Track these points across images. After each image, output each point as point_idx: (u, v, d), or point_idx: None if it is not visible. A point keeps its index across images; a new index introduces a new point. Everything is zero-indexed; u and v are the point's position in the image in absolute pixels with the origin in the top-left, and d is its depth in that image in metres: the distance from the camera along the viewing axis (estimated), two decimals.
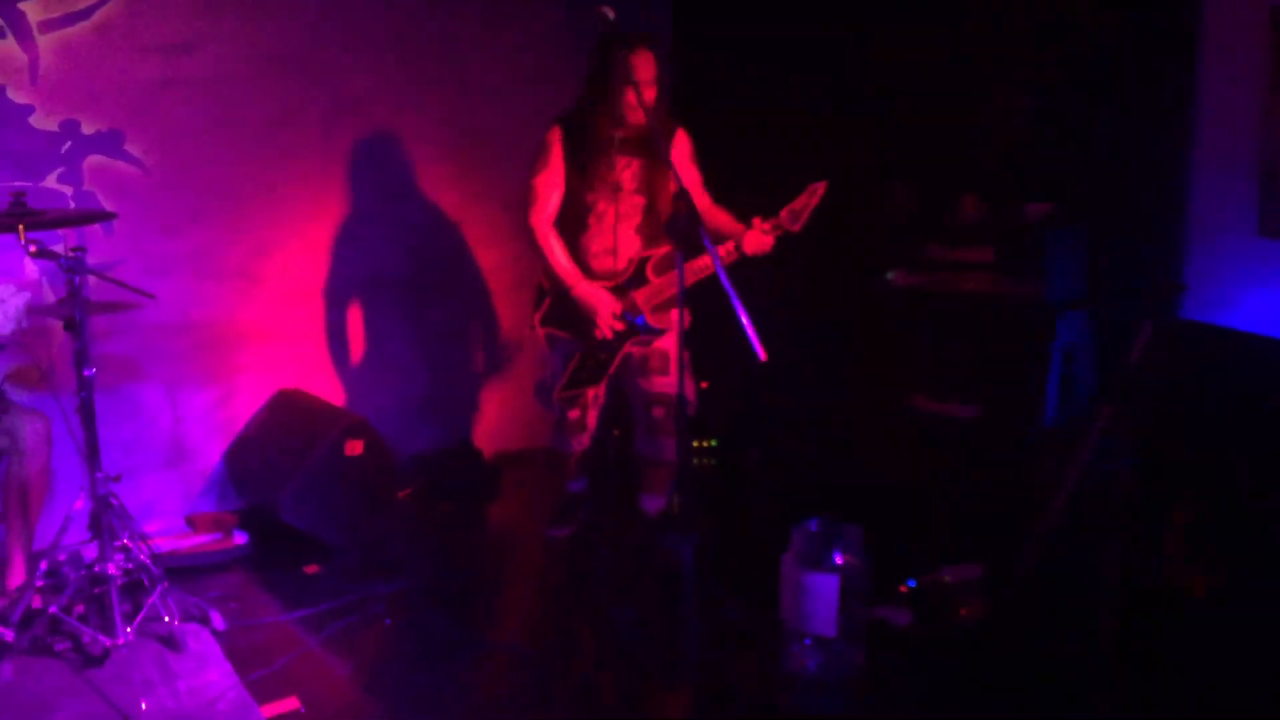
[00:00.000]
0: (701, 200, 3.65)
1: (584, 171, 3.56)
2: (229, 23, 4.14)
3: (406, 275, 4.78)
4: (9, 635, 2.97)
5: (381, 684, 3.12)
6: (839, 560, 2.86)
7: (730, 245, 3.46)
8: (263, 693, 2.96)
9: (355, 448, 4.05)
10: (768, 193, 3.52)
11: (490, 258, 5.02)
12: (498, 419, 5.07)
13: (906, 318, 4.28)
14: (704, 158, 3.72)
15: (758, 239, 3.44)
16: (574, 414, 3.79)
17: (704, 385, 4.79)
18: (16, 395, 3.55)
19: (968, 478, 3.97)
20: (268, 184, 4.36)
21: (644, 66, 3.39)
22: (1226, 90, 3.67)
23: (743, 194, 3.66)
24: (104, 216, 3.24)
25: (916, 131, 4.40)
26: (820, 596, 2.81)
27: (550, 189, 3.59)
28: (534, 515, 4.31)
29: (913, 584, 3.39)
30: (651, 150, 3.53)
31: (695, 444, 4.91)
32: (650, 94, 3.40)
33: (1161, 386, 3.09)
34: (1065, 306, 3.85)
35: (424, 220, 4.81)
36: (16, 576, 3.28)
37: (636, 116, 3.43)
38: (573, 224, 3.62)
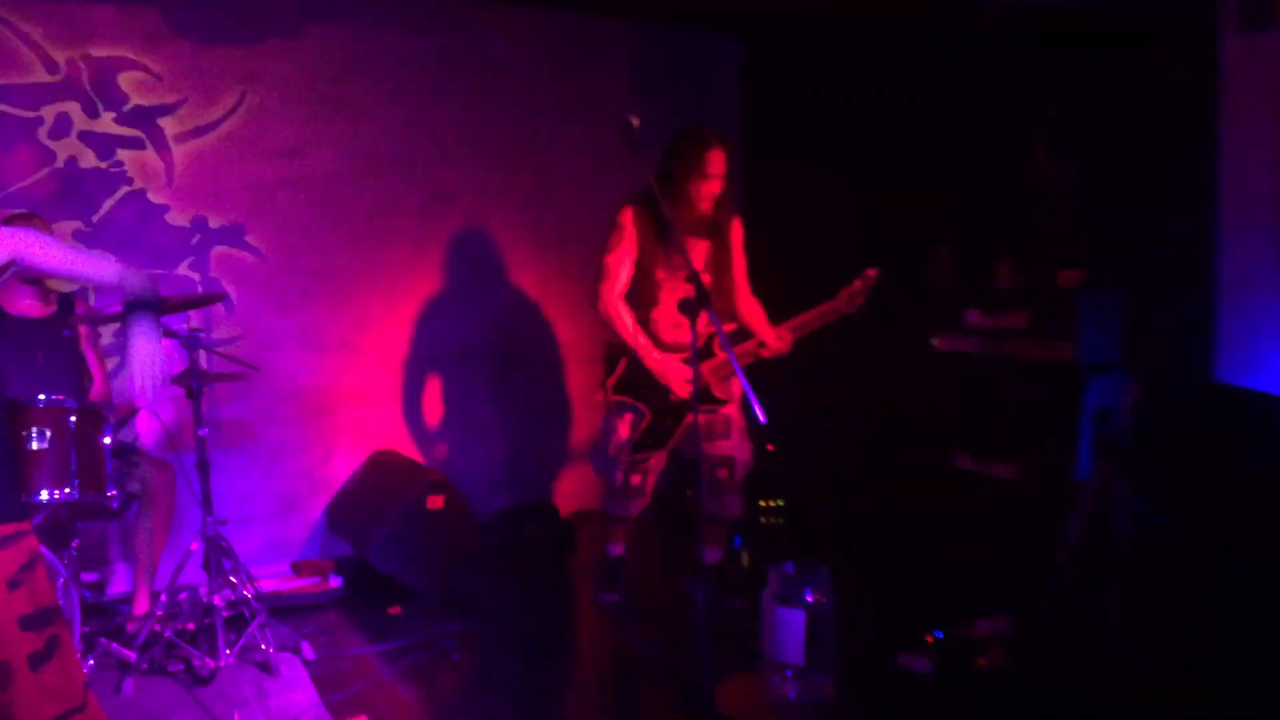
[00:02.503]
0: (743, 288, 4.02)
1: (654, 250, 3.89)
2: (334, 130, 4.75)
3: (491, 346, 5.26)
4: (132, 656, 3.47)
5: (444, 709, 3.51)
6: (809, 598, 3.14)
7: (752, 344, 3.88)
8: (339, 712, 3.36)
9: (436, 502, 4.48)
10: (821, 271, 3.89)
11: (566, 330, 5.46)
12: (573, 480, 5.46)
13: (950, 380, 4.50)
14: (765, 235, 4.07)
15: (777, 343, 3.86)
16: (635, 479, 4.04)
17: (770, 448, 5.11)
18: (149, 449, 4.12)
19: (1007, 532, 4.13)
20: (368, 266, 4.92)
21: (715, 162, 3.78)
22: (1246, 157, 3.82)
23: (796, 272, 4.03)
24: (216, 299, 3.80)
25: (957, 202, 4.65)
26: (791, 629, 3.09)
27: (621, 265, 3.89)
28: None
29: (940, 635, 3.58)
30: (717, 234, 3.91)
31: (761, 503, 5.20)
32: (718, 187, 3.79)
33: (1167, 446, 3.25)
34: (1097, 369, 4.01)
35: (507, 295, 5.30)
36: (140, 606, 3.80)
37: (704, 205, 3.82)
38: (644, 298, 3.93)
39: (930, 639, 3.55)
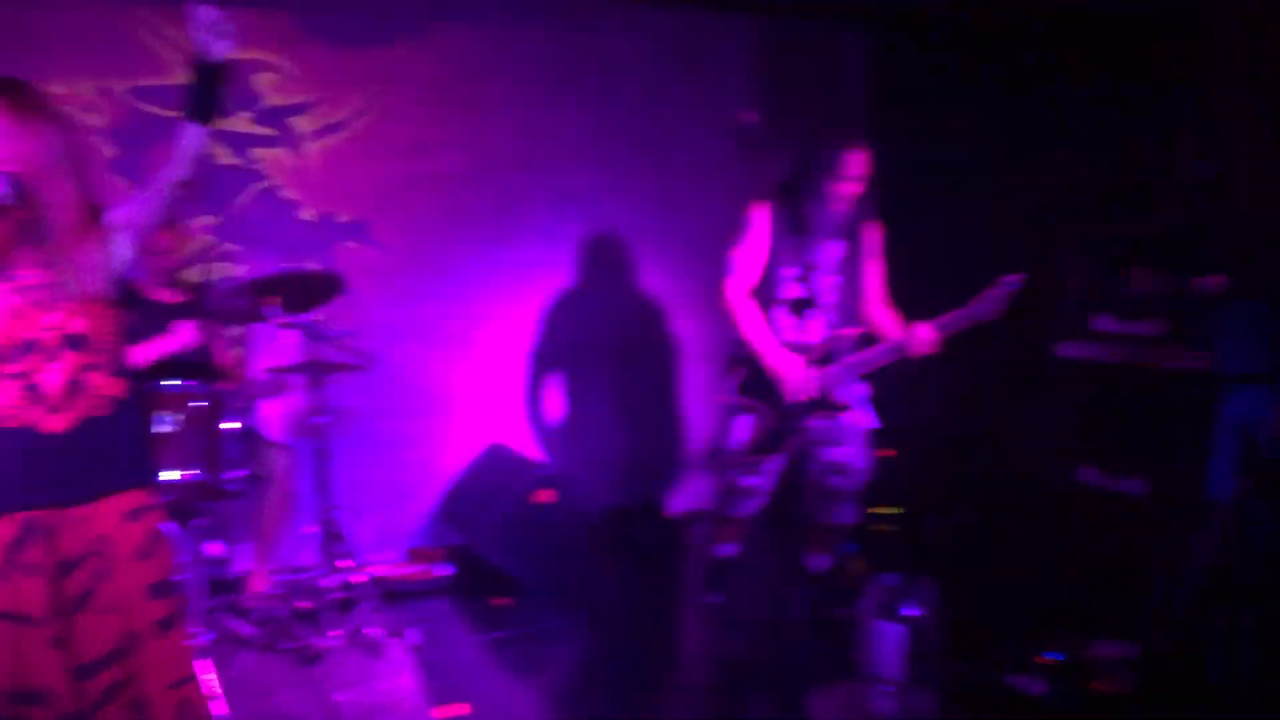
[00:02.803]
0: (876, 294, 3.91)
1: (785, 249, 3.81)
2: (459, 129, 4.86)
3: (610, 344, 5.28)
4: (248, 632, 3.62)
5: (546, 701, 3.56)
6: (910, 611, 3.02)
7: (891, 345, 3.72)
8: (443, 699, 3.42)
9: (546, 497, 4.53)
10: (948, 273, 3.76)
11: (687, 328, 5.43)
12: (686, 480, 5.43)
13: (1076, 389, 4.29)
14: (889, 235, 3.96)
15: (920, 344, 3.68)
16: (751, 481, 3.98)
17: (889, 454, 4.97)
18: (272, 435, 4.29)
19: (1132, 550, 3.92)
20: (489, 264, 5.01)
21: (855, 163, 3.69)
22: None
23: (922, 274, 3.90)
24: (335, 293, 3.93)
25: (1089, 204, 4.44)
26: (890, 642, 2.97)
27: (749, 263, 3.82)
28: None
29: (1055, 656, 3.41)
30: (852, 236, 3.82)
31: (876, 511, 5.06)
32: (856, 188, 3.71)
33: None
34: (1238, 380, 3.76)
35: (628, 293, 5.32)
36: (258, 584, 3.96)
37: (840, 206, 3.73)
38: (769, 298, 3.85)
39: (1045, 660, 3.39)
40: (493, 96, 4.93)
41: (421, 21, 4.76)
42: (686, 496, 5.41)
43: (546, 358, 5.18)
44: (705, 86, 5.35)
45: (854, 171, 3.68)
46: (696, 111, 5.34)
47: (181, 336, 3.68)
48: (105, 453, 2.19)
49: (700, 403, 5.43)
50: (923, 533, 4.95)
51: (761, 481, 4.00)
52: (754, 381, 3.87)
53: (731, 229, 3.90)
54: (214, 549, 4.00)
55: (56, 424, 2.12)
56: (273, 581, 3.83)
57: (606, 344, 5.28)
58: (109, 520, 2.16)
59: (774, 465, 3.99)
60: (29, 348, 2.12)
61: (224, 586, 4.10)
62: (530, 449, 5.11)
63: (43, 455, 2.11)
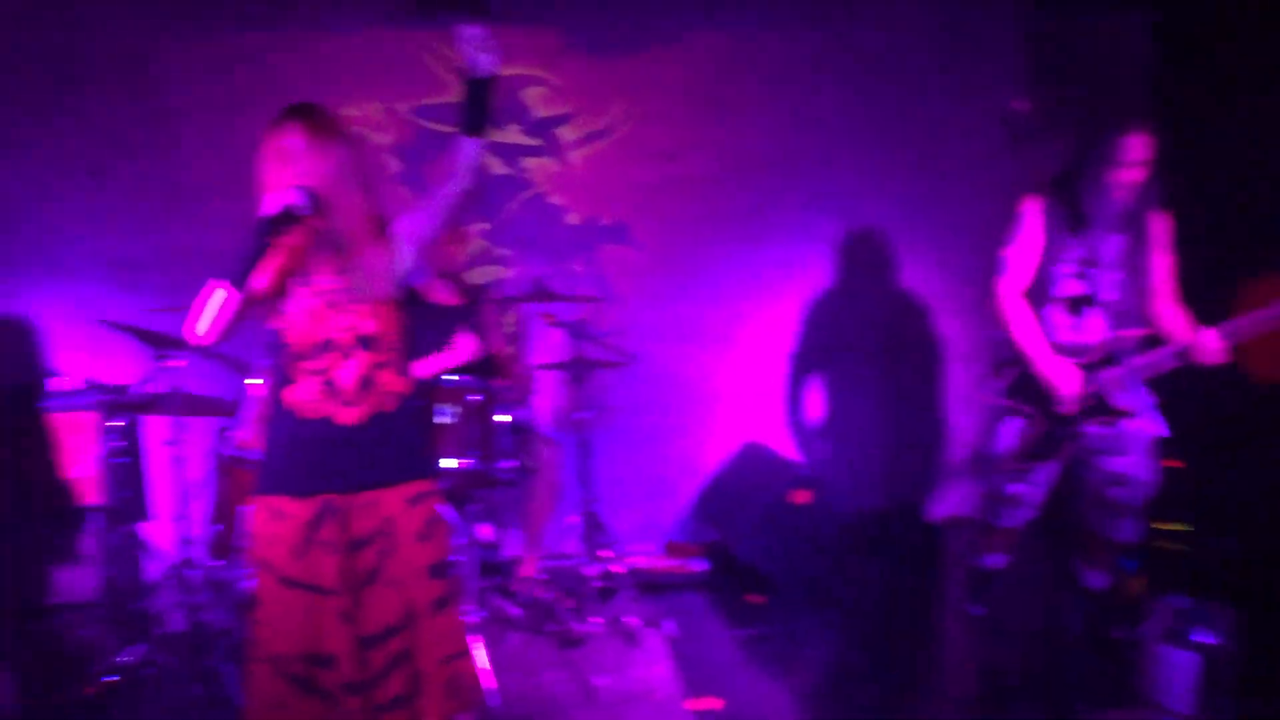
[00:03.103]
0: (1164, 291, 3.59)
1: (1061, 244, 3.59)
2: (713, 131, 4.94)
3: (869, 343, 5.19)
4: (516, 613, 3.85)
5: (797, 701, 3.54)
6: (1204, 639, 2.74)
7: (1176, 348, 3.42)
8: (696, 691, 3.49)
9: (803, 497, 4.51)
10: (1240, 269, 3.43)
11: (951, 327, 5.24)
12: (948, 485, 5.24)
13: None
14: (1187, 234, 3.66)
15: (1208, 350, 3.36)
16: (1019, 489, 3.77)
17: (1177, 465, 4.58)
18: (541, 428, 4.54)
19: None
20: (745, 263, 5.06)
21: (1135, 148, 3.42)
22: None
23: (1214, 271, 3.58)
24: (595, 299, 4.09)
25: None
26: (1179, 672, 2.71)
27: (1023, 260, 3.62)
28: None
29: None
30: (1135, 228, 3.54)
31: (1161, 526, 4.67)
32: (1137, 176, 3.44)
33: None
34: None
35: (888, 292, 5.20)
36: (526, 569, 4.19)
37: (1121, 195, 3.47)
38: (1043, 297, 3.64)
39: None
40: (745, 98, 4.97)
41: (674, 28, 4.89)
42: (949, 502, 5.22)
43: (804, 357, 5.16)
44: (968, 76, 5.13)
45: (1135, 157, 3.40)
46: (959, 103, 5.14)
47: (463, 351, 3.93)
48: (392, 444, 2.39)
49: (964, 405, 5.22)
50: (1214, 553, 4.52)
51: (1031, 490, 3.79)
52: (1024, 384, 3.66)
53: (1000, 224, 3.71)
54: (485, 533, 4.28)
55: (350, 417, 2.34)
56: (539, 567, 4.05)
57: (866, 343, 5.19)
58: (394, 504, 2.36)
59: (1045, 473, 3.76)
60: (326, 347, 2.35)
61: (494, 569, 4.38)
62: (787, 448, 5.10)
63: (338, 445, 2.33)
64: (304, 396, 2.33)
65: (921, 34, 5.10)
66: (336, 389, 2.33)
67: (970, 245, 4.86)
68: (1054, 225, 3.58)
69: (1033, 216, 3.60)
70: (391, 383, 2.39)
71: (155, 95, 4.78)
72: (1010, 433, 3.73)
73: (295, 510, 2.30)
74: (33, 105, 4.74)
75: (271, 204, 2.25)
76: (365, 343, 2.36)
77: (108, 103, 4.76)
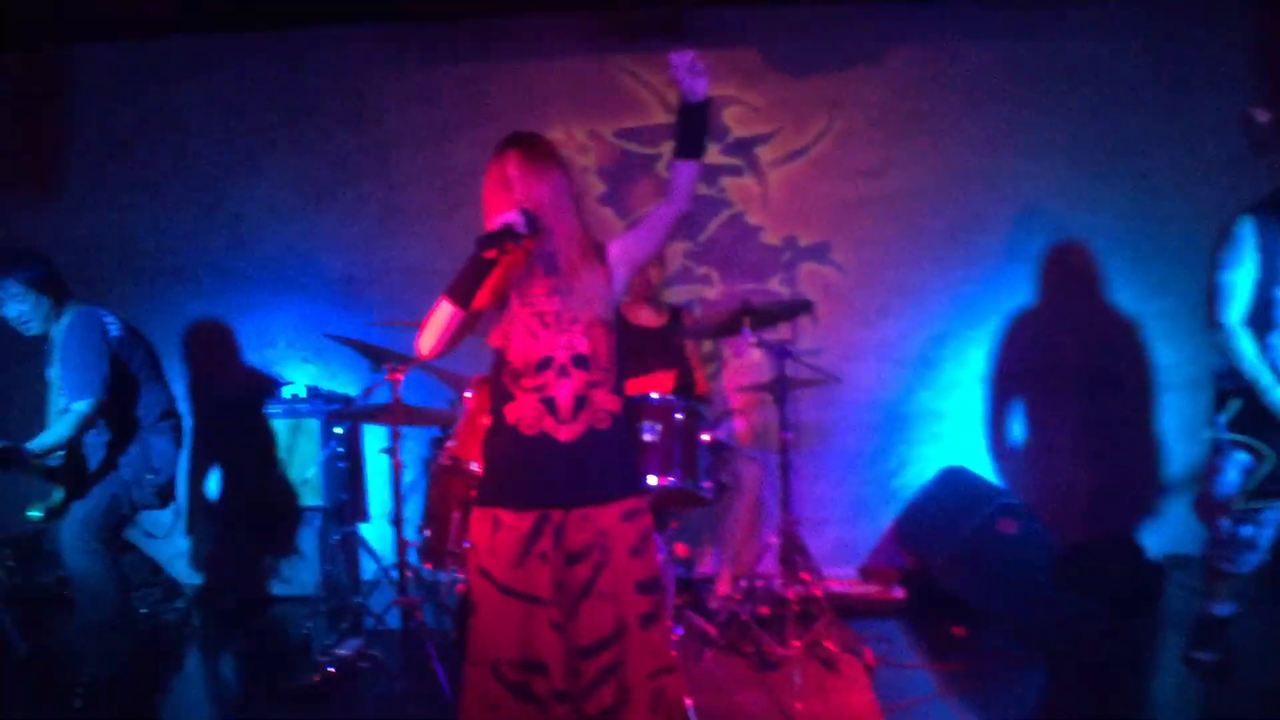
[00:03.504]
0: None
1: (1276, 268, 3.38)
2: (914, 147, 4.84)
3: (1078, 366, 4.95)
4: (713, 631, 3.85)
5: None
6: None
7: None
8: None
9: (1009, 526, 4.32)
10: None
11: (1167, 353, 4.94)
12: (1165, 519, 4.92)
13: None
14: None
15: None
16: (1248, 531, 3.51)
17: None
18: (741, 447, 4.54)
19: None
20: (947, 282, 4.92)
21: None
22: None
23: None
24: (802, 307, 4.05)
25: None
26: None
27: (1240, 284, 3.41)
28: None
29: None
30: None
31: None
32: None
33: None
34: None
35: (1098, 313, 4.94)
36: (723, 587, 4.20)
37: None
38: (1263, 324, 3.41)
39: None
40: (947, 112, 4.86)
41: (874, 44, 4.83)
42: (1166, 537, 4.90)
43: (1009, 380, 4.97)
44: (1190, 81, 4.84)
45: None
46: (1179, 110, 4.85)
47: (665, 373, 4.00)
48: (606, 462, 2.45)
49: (1183, 436, 4.89)
50: None
51: (1261, 534, 3.51)
52: (1251, 417, 3.41)
53: (1219, 244, 3.47)
54: (683, 550, 4.32)
55: (567, 434, 2.41)
56: (736, 586, 4.05)
57: (1074, 367, 4.95)
58: (609, 520, 2.42)
59: (1276, 514, 3.48)
60: (544, 365, 2.43)
61: (692, 587, 4.40)
62: (990, 473, 4.92)
63: (556, 461, 2.40)
64: (524, 413, 2.42)
65: (1136, 38, 4.85)
66: (554, 407, 2.41)
67: (1186, 263, 4.56)
68: (1272, 245, 3.33)
69: (1250, 236, 3.36)
70: (605, 401, 2.45)
71: (374, 125, 5.10)
72: (1236, 470, 3.49)
73: (515, 522, 2.39)
74: (264, 136, 5.14)
75: (492, 225, 2.35)
76: (580, 362, 2.43)
77: (329, 132, 5.12)
